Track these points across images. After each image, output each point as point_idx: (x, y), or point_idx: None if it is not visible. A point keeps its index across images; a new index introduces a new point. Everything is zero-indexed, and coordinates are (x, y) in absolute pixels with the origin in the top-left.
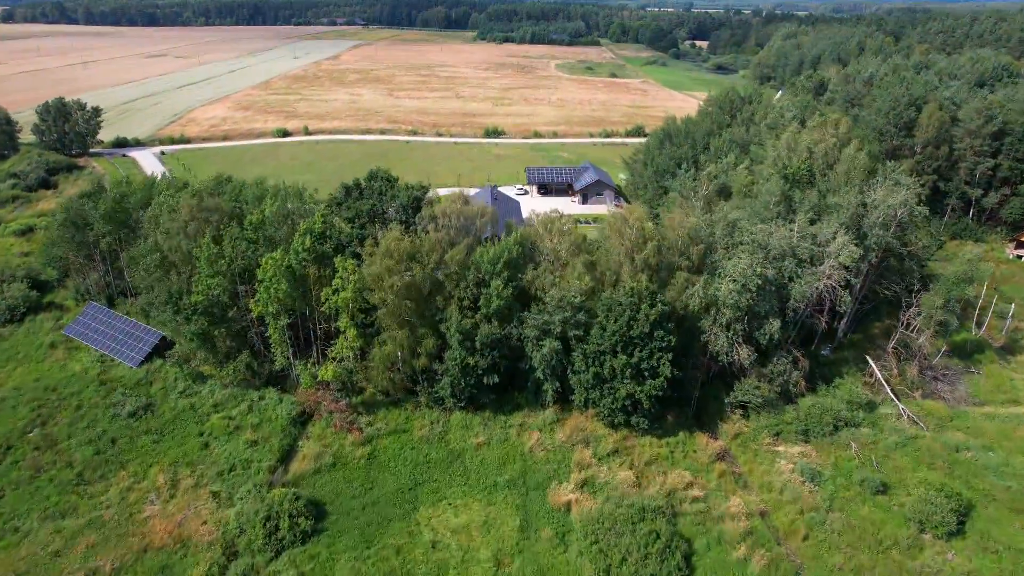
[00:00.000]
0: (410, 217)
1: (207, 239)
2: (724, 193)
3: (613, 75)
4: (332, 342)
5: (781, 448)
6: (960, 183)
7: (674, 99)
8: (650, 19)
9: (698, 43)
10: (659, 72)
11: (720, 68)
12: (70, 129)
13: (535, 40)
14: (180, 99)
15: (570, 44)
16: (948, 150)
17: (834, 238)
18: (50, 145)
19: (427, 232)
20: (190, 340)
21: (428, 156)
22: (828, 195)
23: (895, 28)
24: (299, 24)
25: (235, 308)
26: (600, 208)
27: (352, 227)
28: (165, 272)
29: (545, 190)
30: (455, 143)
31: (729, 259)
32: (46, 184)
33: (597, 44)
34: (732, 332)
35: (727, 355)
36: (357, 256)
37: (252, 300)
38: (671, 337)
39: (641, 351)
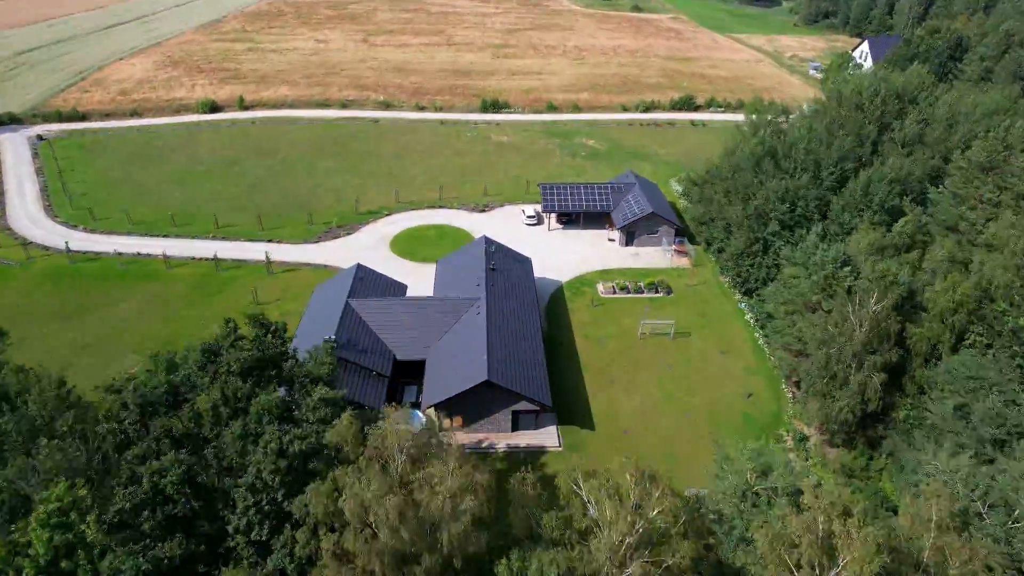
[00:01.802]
0: (280, 506)
1: None
2: (906, 309)
3: (637, 8)
4: None
5: None
6: None
7: (719, 47)
8: None
9: None
10: (689, 4)
11: None
12: None
13: None
14: (97, 48)
15: None
16: None
17: None
18: None
19: (321, 563)
20: None
21: (402, 146)
22: None
23: None
24: None
25: None
26: (654, 255)
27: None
28: None
29: (568, 218)
30: (441, 121)
31: None
32: None
33: None
34: None
35: None
36: None
37: None
38: None
39: None
